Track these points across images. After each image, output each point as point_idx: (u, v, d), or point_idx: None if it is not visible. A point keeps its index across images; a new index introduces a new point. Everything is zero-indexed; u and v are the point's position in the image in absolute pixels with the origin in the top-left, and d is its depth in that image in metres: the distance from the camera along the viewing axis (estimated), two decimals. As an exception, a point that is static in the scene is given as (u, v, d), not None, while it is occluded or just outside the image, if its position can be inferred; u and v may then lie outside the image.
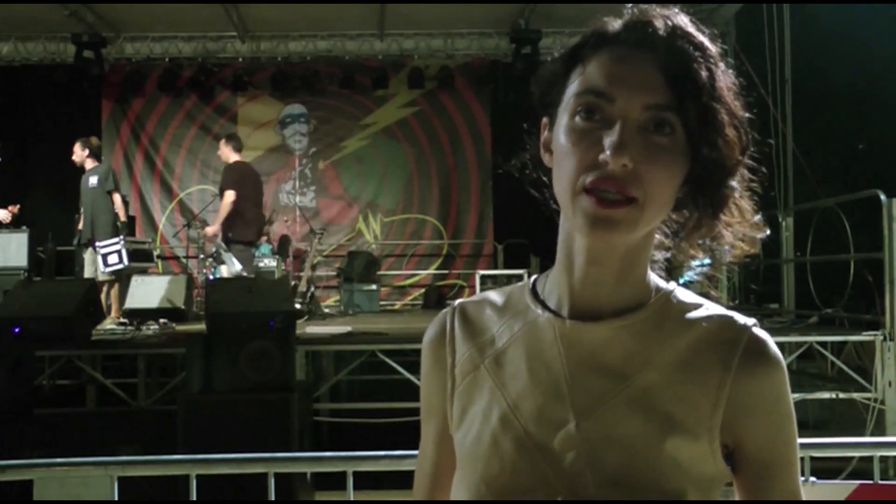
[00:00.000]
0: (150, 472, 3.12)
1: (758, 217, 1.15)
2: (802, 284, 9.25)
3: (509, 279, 11.15)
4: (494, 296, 1.26)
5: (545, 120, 1.17)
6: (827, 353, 7.03)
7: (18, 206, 9.76)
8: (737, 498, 1.14)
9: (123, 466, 2.95)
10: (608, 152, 1.01)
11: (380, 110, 14.32)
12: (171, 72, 13.62)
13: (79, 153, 9.49)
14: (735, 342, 1.10)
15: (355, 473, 2.94)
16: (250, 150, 14.14)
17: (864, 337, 6.79)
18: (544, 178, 1.18)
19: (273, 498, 2.96)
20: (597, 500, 1.06)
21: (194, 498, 2.94)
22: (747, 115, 1.11)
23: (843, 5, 13.00)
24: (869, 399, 6.63)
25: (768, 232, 1.16)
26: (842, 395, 6.89)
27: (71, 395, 7.59)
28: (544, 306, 1.17)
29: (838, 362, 7.06)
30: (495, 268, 13.03)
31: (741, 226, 1.14)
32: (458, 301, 1.29)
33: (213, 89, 13.98)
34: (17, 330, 6.48)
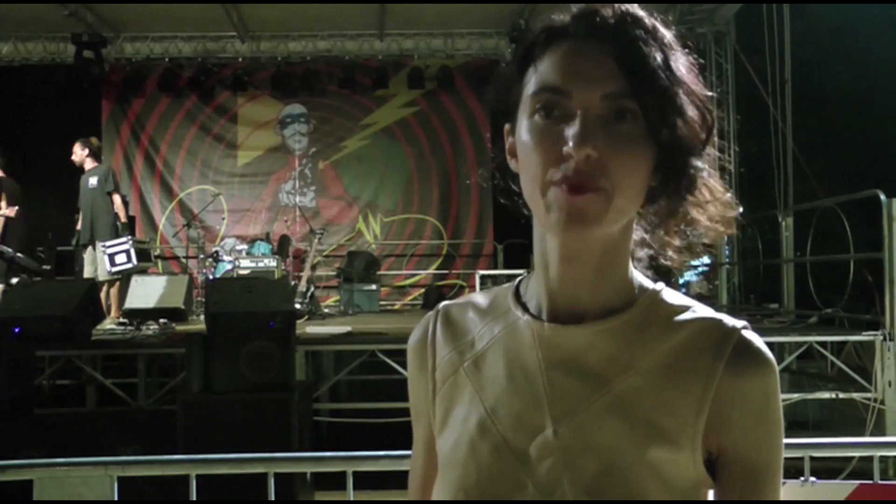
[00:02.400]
0: (149, 472, 3.12)
1: (728, 195, 1.12)
2: (802, 284, 9.25)
3: (509, 279, 11.01)
4: (480, 298, 1.25)
5: (507, 126, 1.15)
6: (827, 353, 7.02)
7: (16, 209, 9.70)
8: None
9: (123, 466, 2.95)
10: (571, 144, 0.99)
11: (380, 110, 14.31)
12: (171, 72, 13.64)
13: (78, 153, 9.49)
14: (723, 346, 1.06)
15: (355, 473, 2.94)
16: (250, 150, 14.17)
17: (864, 337, 6.79)
18: (513, 186, 1.16)
19: (273, 498, 2.96)
20: None
21: (194, 498, 2.94)
22: (710, 93, 1.09)
23: (843, 5, 13.02)
24: (869, 399, 6.63)
25: (741, 209, 1.14)
26: (842, 395, 6.89)
27: (71, 394, 7.59)
28: (525, 309, 1.15)
29: (838, 362, 7.05)
30: (495, 268, 13.02)
31: (714, 206, 1.11)
32: (442, 303, 1.27)
33: (213, 89, 13.98)
34: (17, 330, 6.49)
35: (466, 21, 12.98)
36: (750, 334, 1.08)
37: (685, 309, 1.11)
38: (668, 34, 1.06)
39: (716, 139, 1.10)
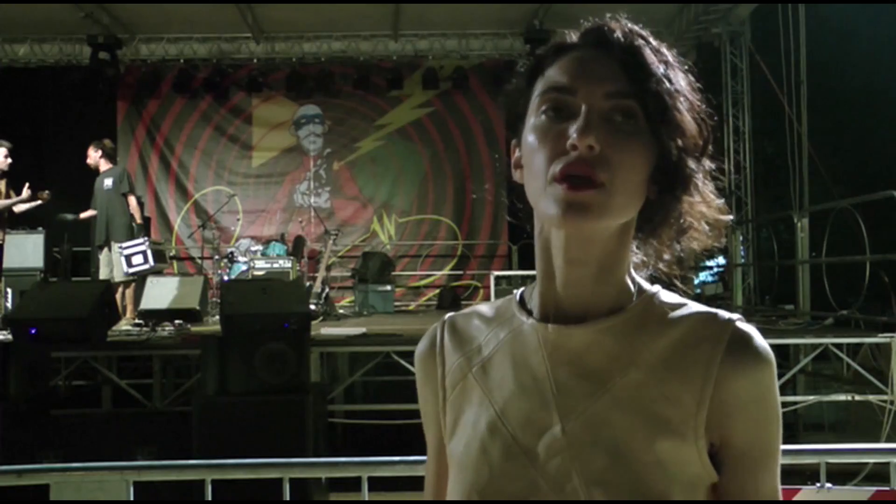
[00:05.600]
0: (165, 476, 3.13)
1: (721, 202, 1.17)
2: (818, 285, 9.22)
3: (524, 280, 11.14)
4: (484, 308, 1.29)
5: (514, 142, 1.20)
6: (842, 355, 6.99)
7: (47, 192, 9.63)
8: (716, 494, 1.12)
9: (139, 471, 2.96)
10: (574, 135, 1.04)
11: (394, 111, 14.34)
12: (186, 73, 13.70)
13: (92, 155, 9.53)
14: (718, 337, 1.09)
15: (370, 477, 2.95)
16: (265, 151, 14.21)
17: (880, 339, 6.76)
18: (517, 203, 1.20)
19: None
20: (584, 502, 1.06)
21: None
22: (707, 108, 1.14)
23: (858, 5, 12.96)
24: (885, 401, 6.60)
25: (732, 217, 1.17)
26: (857, 398, 6.85)
27: (86, 395, 7.60)
28: (529, 314, 1.19)
29: (854, 364, 7.02)
30: (510, 268, 13.02)
31: (706, 212, 1.15)
32: (448, 315, 1.31)
33: (228, 90, 14.04)
34: (33, 331, 6.52)
35: (481, 22, 12.99)
36: (744, 325, 1.11)
37: (681, 306, 1.15)
38: (668, 53, 1.13)
39: (711, 149, 1.14)
